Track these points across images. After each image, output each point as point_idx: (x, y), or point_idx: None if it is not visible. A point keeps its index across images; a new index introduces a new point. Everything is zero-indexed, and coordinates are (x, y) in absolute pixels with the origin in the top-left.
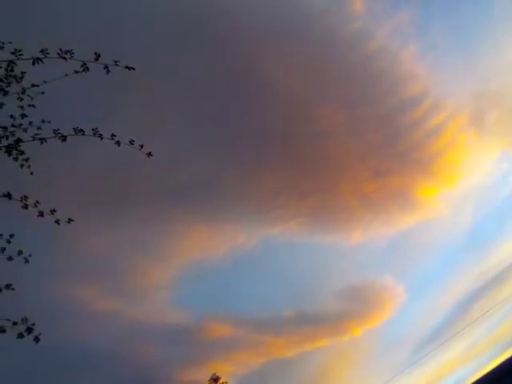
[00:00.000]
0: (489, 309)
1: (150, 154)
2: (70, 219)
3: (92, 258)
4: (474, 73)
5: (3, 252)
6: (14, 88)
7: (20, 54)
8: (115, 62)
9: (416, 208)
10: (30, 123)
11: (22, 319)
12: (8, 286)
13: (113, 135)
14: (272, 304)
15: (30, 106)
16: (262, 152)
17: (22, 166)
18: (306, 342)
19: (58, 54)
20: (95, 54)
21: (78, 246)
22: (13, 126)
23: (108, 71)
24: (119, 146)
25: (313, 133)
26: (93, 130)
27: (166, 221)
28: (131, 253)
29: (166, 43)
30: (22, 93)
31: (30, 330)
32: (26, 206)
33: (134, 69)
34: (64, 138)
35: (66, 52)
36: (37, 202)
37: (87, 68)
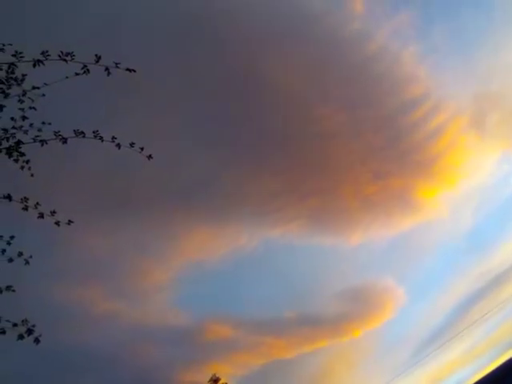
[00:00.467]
0: (489, 310)
1: (150, 157)
2: (70, 221)
3: (93, 259)
4: (474, 75)
5: (3, 253)
6: (15, 90)
7: (21, 57)
8: (116, 64)
9: (416, 209)
10: (31, 125)
11: (23, 321)
12: (8, 288)
13: (113, 138)
14: (272, 305)
15: (30, 108)
16: (263, 154)
17: (22, 167)
18: (307, 343)
19: (59, 56)
20: (96, 55)
21: (79, 248)
22: (13, 128)
23: (109, 73)
24: (120, 148)
25: (313, 134)
26: (93, 132)
27: (167, 222)
28: (132, 254)
29: (167, 44)
30: (23, 95)
31: (30, 332)
32: (26, 208)
33: (134, 71)
34: (65, 140)
35: (67, 54)
36: (37, 203)
37: (88, 70)
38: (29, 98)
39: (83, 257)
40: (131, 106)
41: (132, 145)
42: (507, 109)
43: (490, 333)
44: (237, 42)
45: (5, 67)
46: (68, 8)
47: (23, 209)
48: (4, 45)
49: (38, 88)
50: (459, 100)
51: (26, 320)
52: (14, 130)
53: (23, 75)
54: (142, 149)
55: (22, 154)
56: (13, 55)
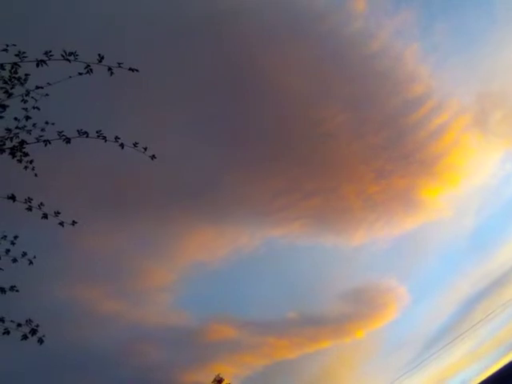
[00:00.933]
0: (493, 310)
1: (153, 157)
2: (74, 221)
3: (96, 260)
4: (477, 73)
5: (8, 253)
6: (18, 90)
7: (24, 56)
8: (119, 63)
9: (419, 209)
10: (34, 125)
11: (27, 321)
12: (12, 288)
13: (117, 138)
14: (275, 305)
15: (34, 108)
16: (265, 153)
17: (26, 167)
18: (309, 343)
19: (62, 56)
20: (99, 55)
21: (82, 248)
22: (17, 127)
23: (112, 73)
24: (123, 148)
25: (316, 133)
26: (97, 132)
27: (170, 223)
28: (135, 255)
29: (168, 44)
30: (26, 95)
31: (34, 332)
32: (30, 208)
33: (137, 70)
34: (68, 140)
35: (70, 54)
36: (41, 203)
37: (91, 70)
38: (32, 97)
39: (87, 257)
40: (134, 106)
41: (135, 145)
42: (510, 107)
43: (494, 333)
44: (239, 42)
45: (8, 67)
46: (70, 8)
47: (27, 209)
48: (7, 45)
49: (42, 88)
50: (462, 99)
51: (30, 320)
52: (17, 130)
53: (26, 75)
54: (145, 149)
55: (26, 154)
56: (16, 55)
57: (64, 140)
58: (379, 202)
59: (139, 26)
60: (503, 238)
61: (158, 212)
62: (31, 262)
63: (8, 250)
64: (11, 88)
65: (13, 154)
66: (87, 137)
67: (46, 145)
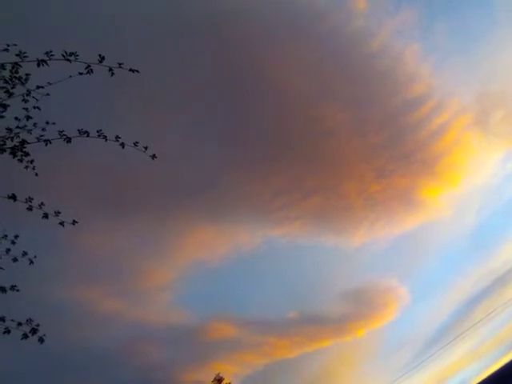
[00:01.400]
0: (493, 309)
1: (154, 156)
2: (74, 221)
3: (96, 259)
4: (477, 73)
5: (8, 253)
6: (19, 90)
7: (25, 56)
8: (119, 64)
9: (420, 209)
10: (35, 125)
11: (27, 320)
12: (13, 287)
13: (117, 137)
14: (275, 305)
15: (34, 107)
16: (265, 152)
17: (26, 167)
18: (310, 343)
19: (63, 56)
20: (99, 56)
21: (82, 248)
22: (18, 127)
23: (112, 73)
24: (123, 147)
25: (316, 132)
26: (97, 131)
27: (169, 222)
28: (135, 254)
29: (168, 44)
30: (27, 94)
31: (34, 331)
32: (30, 208)
33: (138, 71)
34: (69, 140)
35: (71, 54)
36: (41, 203)
37: (91, 70)
38: (33, 97)
39: (87, 257)
40: (134, 106)
41: (136, 144)
42: (510, 107)
43: (494, 332)
44: (239, 42)
45: (9, 67)
46: (71, 8)
47: (28, 209)
48: (8, 45)
49: (42, 87)
50: (462, 98)
51: (31, 319)
52: (18, 130)
53: (27, 75)
54: (146, 148)
55: (27, 154)
56: (17, 55)
57: (65, 139)
58: (380, 201)
59: (139, 26)
60: (504, 237)
61: (158, 211)
62: (32, 262)
63: (8, 250)
64: (12, 88)
65: (13, 154)
66: (88, 136)
67: (46, 144)
